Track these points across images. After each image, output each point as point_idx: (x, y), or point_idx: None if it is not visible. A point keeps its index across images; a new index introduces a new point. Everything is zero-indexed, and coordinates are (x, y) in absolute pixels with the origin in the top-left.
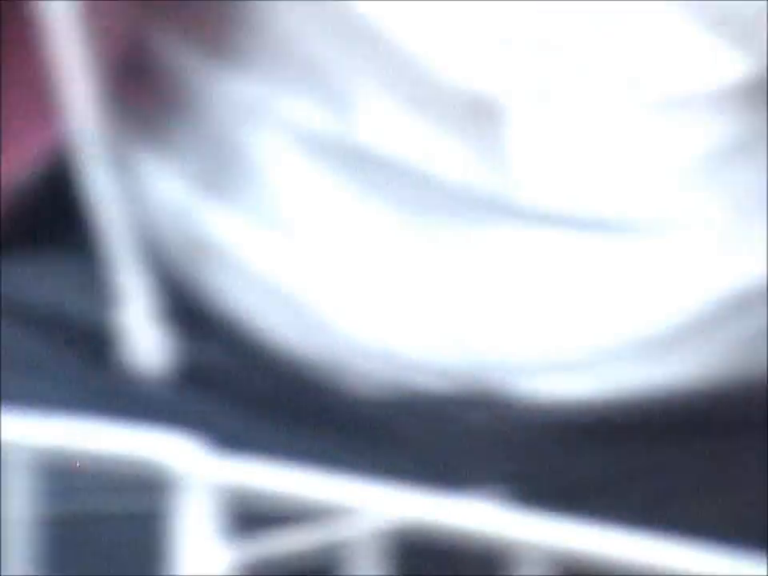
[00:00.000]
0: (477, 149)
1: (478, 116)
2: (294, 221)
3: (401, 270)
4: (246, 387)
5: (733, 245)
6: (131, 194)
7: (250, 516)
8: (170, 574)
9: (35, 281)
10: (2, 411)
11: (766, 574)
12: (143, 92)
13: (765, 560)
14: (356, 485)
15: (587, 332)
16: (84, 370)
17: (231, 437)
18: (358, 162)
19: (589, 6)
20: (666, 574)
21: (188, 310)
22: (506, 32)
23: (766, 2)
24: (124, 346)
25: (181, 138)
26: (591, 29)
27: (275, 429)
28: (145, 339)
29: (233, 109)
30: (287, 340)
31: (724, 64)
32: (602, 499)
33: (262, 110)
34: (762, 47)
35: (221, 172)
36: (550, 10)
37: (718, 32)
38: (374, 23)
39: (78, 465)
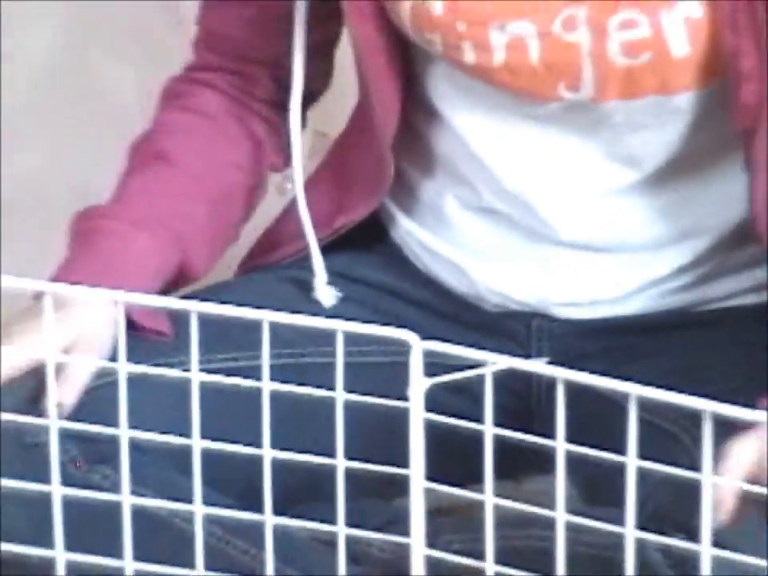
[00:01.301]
0: (531, 216)
1: (530, 202)
2: (456, 230)
3: (503, 256)
4: (418, 300)
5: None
6: None
7: None
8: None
9: None
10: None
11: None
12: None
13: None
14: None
15: (588, 291)
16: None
17: (412, 326)
18: (483, 213)
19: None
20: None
21: (396, 263)
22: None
23: None
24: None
25: (414, 197)
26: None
27: (433, 323)
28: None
29: (432, 186)
30: (447, 277)
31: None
32: (595, 366)
33: (442, 190)
34: None
35: (431, 212)
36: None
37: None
38: (483, 160)
39: None
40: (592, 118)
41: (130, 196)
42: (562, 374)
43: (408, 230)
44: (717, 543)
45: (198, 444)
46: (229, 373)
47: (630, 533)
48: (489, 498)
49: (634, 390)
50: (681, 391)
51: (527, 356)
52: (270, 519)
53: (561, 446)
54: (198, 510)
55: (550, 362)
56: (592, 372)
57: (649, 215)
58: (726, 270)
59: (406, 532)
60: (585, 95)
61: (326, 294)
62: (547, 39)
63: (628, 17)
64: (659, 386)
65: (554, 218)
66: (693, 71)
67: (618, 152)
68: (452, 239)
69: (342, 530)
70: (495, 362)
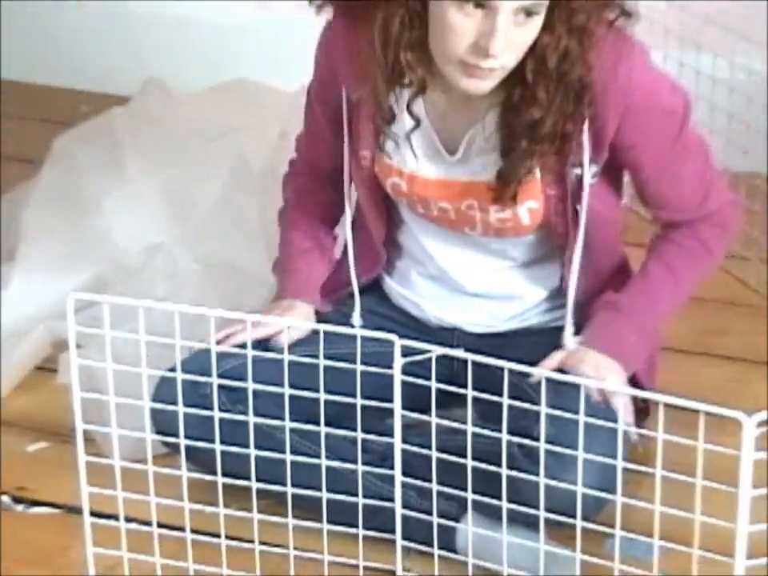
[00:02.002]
0: (451, 279)
1: (451, 273)
2: (416, 287)
3: (439, 300)
4: (398, 320)
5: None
6: None
7: None
8: None
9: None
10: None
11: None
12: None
13: None
14: (429, 346)
15: (481, 319)
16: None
17: (395, 333)
18: (429, 277)
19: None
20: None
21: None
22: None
23: None
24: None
25: (394, 268)
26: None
27: (404, 332)
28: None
29: (403, 264)
30: (412, 309)
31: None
32: (487, 352)
33: (408, 266)
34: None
35: (403, 277)
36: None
37: None
38: (428, 251)
39: None
40: (482, 240)
41: (299, 275)
42: (470, 356)
43: (391, 286)
44: (548, 441)
45: (287, 392)
46: (306, 356)
47: (504, 437)
48: (433, 419)
49: (506, 365)
50: (523, 363)
51: (453, 347)
52: (323, 429)
53: (470, 393)
54: (287, 425)
55: (466, 350)
56: (487, 355)
57: (513, 279)
58: (553, 308)
59: (392, 436)
60: (477, 233)
61: (358, 319)
62: (458, 211)
63: (499, 208)
64: (520, 362)
65: (464, 280)
66: (533, 229)
67: (496, 252)
68: (414, 291)
69: (359, 435)
70: (436, 351)
